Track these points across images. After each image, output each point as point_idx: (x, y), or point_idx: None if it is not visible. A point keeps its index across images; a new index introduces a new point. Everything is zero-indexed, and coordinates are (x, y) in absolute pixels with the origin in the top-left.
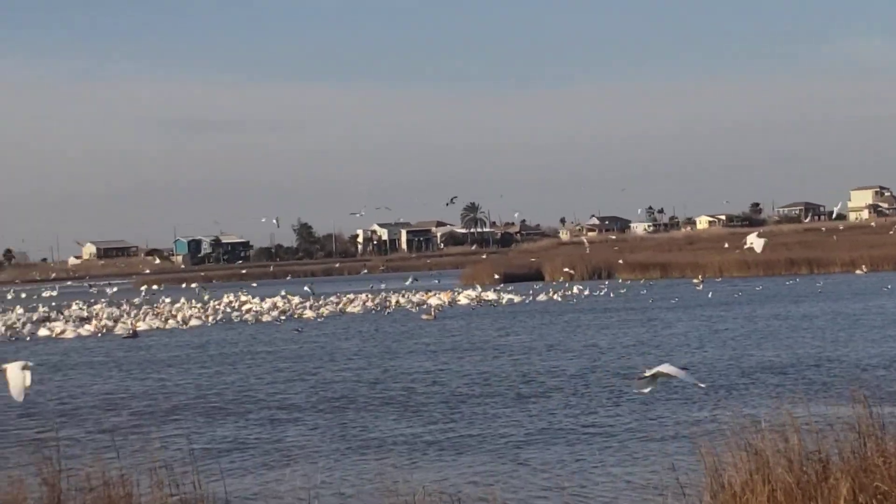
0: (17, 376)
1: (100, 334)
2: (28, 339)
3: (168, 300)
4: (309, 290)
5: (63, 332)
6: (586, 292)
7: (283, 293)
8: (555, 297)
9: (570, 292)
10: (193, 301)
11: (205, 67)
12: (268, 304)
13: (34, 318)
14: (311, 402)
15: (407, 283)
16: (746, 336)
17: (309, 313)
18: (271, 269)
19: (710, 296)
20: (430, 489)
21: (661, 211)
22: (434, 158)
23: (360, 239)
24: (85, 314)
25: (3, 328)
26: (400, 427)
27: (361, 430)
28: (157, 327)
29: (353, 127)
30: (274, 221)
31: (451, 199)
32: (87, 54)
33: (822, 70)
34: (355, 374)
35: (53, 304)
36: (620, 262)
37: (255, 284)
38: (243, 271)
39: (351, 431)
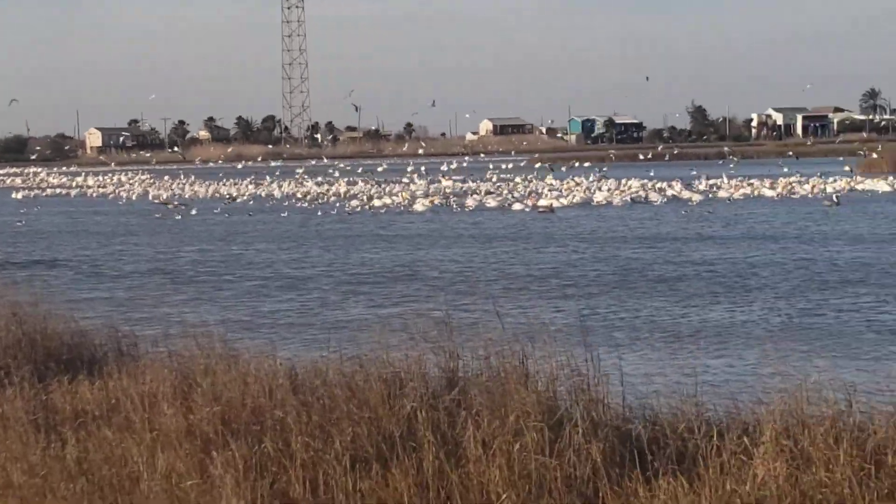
0: None
1: (524, 208)
2: (455, 209)
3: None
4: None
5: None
6: None
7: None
8: None
9: None
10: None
11: None
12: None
13: (462, 189)
14: (720, 283)
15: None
16: None
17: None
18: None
19: None
20: (824, 375)
21: None
22: (828, 46)
23: (754, 123)
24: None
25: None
26: (794, 315)
27: (763, 314)
28: (569, 203)
29: (767, 12)
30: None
31: (433, 103)
32: None
33: None
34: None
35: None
36: None
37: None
38: (641, 156)
39: (755, 315)
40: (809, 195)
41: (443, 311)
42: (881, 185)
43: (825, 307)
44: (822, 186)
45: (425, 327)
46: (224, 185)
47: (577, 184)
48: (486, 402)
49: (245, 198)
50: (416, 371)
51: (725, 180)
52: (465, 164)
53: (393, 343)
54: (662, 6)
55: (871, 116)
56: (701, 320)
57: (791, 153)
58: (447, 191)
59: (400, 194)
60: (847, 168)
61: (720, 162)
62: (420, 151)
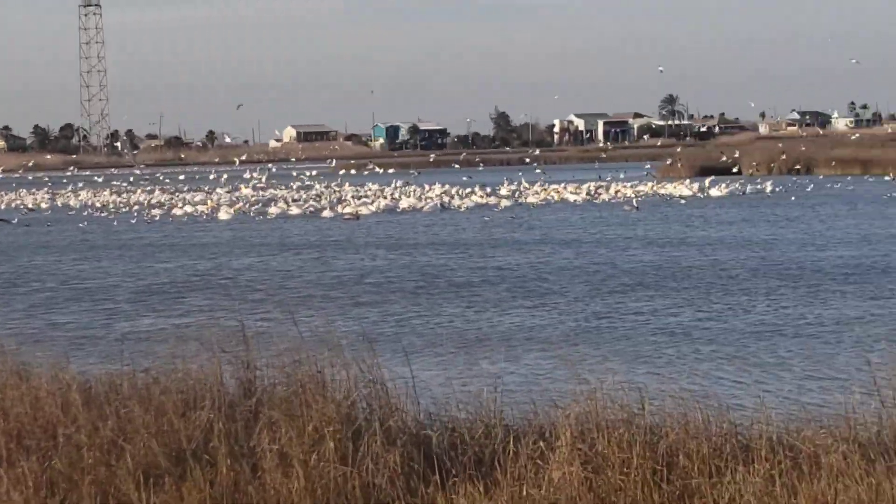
0: None
1: (330, 215)
2: (258, 217)
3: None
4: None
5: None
6: (769, 188)
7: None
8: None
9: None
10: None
11: None
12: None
13: (265, 197)
14: (515, 287)
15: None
16: None
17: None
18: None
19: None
20: (617, 379)
21: (864, 106)
22: (633, 53)
23: (556, 129)
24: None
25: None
26: (587, 318)
27: (557, 318)
28: (376, 210)
29: (551, 22)
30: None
31: (238, 106)
32: None
33: None
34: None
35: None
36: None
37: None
38: (431, 158)
39: (551, 319)
40: (613, 200)
41: (240, 320)
42: (680, 190)
43: (618, 311)
44: (625, 191)
45: (223, 338)
46: (20, 194)
47: (382, 190)
48: (284, 413)
49: (42, 207)
50: (214, 382)
51: (527, 185)
52: (269, 172)
53: (189, 354)
54: (460, 13)
55: (669, 122)
56: (499, 325)
57: (604, 155)
58: (250, 199)
59: (202, 203)
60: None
61: (534, 167)
62: (238, 159)
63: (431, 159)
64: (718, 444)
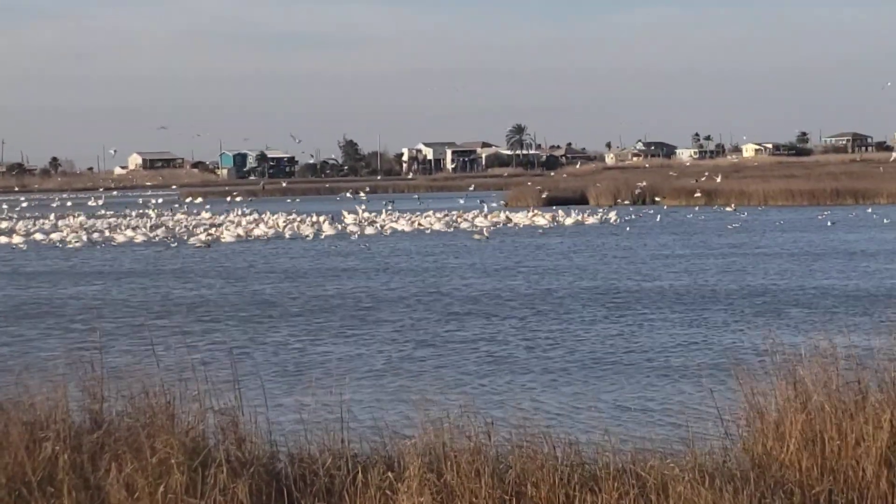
0: None
1: (175, 243)
2: (103, 244)
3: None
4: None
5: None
6: (614, 218)
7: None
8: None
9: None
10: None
11: None
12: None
13: (112, 224)
14: (354, 316)
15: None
16: (782, 264)
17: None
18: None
19: (739, 225)
20: (461, 408)
21: (707, 138)
22: (484, 82)
23: (405, 158)
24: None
25: (84, 234)
26: (425, 346)
27: (396, 346)
28: (234, 238)
29: (401, 48)
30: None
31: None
32: None
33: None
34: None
35: (110, 212)
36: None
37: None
38: (328, 185)
39: (389, 348)
40: (469, 229)
41: (89, 349)
42: (531, 219)
43: (456, 339)
44: (478, 220)
45: (69, 367)
46: None
47: (230, 219)
48: (131, 444)
49: None
50: (60, 413)
51: (368, 214)
52: (114, 199)
53: (34, 384)
54: (297, 43)
55: (517, 151)
56: (342, 353)
57: (471, 185)
58: (92, 226)
59: (52, 230)
60: (501, 202)
61: (413, 196)
62: (101, 189)
63: (328, 185)
64: (566, 474)
